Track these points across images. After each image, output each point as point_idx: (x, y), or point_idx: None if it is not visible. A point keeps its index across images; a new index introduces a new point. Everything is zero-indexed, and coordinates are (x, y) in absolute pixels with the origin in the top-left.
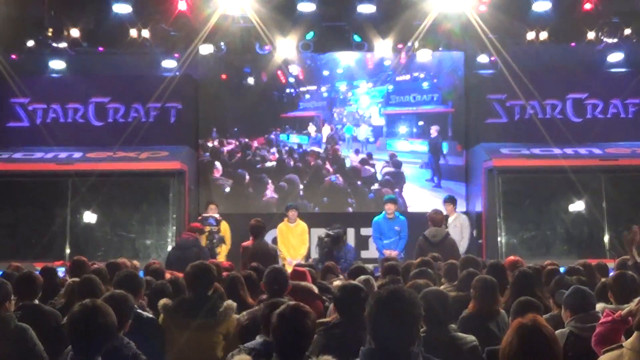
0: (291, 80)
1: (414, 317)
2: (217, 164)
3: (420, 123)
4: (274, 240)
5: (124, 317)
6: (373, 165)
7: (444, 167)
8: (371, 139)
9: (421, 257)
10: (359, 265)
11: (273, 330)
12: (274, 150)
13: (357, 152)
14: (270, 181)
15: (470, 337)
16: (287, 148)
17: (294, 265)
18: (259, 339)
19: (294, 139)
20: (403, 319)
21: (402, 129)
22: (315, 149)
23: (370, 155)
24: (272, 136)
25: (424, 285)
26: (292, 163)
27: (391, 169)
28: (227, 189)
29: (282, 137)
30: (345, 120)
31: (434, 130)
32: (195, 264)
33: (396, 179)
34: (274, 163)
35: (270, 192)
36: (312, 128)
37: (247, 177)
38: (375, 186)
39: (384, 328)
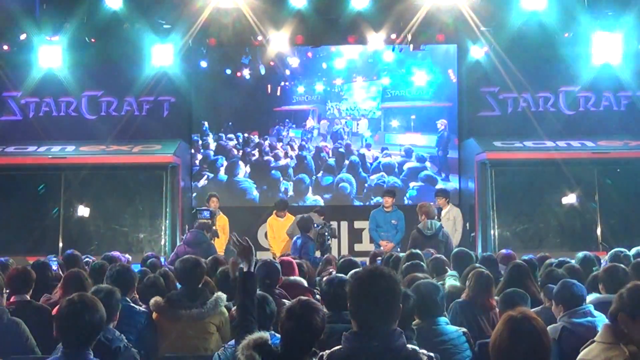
0: (287, 72)
1: (394, 294)
2: (241, 163)
3: (413, 117)
4: (265, 235)
5: (111, 310)
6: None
7: (441, 160)
8: (367, 134)
9: (410, 249)
10: (349, 259)
11: (282, 324)
12: (280, 145)
13: (368, 147)
14: (311, 185)
15: (462, 329)
16: (300, 144)
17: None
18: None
19: (290, 133)
20: (383, 296)
21: (400, 123)
22: (323, 143)
23: (387, 150)
24: (274, 131)
25: (422, 278)
26: (311, 160)
27: (416, 164)
28: (255, 193)
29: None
30: (344, 114)
31: (440, 124)
32: (185, 259)
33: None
34: (289, 160)
35: (311, 196)
36: (310, 122)
37: (281, 179)
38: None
39: (365, 306)
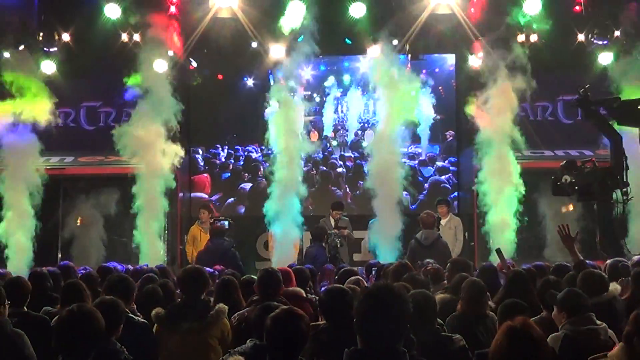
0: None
1: (403, 313)
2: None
3: (412, 127)
4: (265, 245)
5: (114, 322)
6: None
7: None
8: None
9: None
10: (348, 268)
11: (267, 333)
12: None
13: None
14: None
15: (458, 337)
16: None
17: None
18: (249, 343)
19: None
20: (393, 314)
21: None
22: (347, 153)
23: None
24: None
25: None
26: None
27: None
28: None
29: None
30: (347, 125)
31: (449, 135)
32: (187, 268)
33: None
34: (342, 170)
35: None
36: (314, 135)
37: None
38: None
39: (373, 324)
